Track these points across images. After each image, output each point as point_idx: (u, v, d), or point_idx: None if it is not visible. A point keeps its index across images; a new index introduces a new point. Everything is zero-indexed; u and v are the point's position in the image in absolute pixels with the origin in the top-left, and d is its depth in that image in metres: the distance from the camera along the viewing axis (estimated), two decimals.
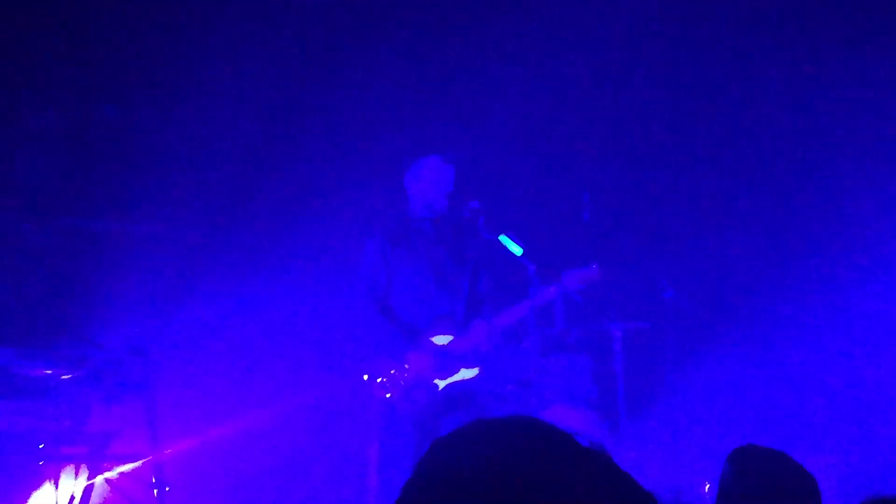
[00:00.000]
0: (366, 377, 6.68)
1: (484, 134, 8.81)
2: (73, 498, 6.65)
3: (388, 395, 6.58)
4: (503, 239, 6.64)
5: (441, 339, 6.64)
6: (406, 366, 6.58)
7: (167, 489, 6.64)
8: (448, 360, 6.61)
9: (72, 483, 6.67)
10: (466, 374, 6.64)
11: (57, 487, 6.41)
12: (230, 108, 8.65)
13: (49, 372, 6.45)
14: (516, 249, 6.61)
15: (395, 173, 6.98)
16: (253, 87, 8.61)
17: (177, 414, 7.52)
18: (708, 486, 8.00)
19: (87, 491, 6.71)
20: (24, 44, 7.98)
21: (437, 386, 6.58)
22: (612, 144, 9.51)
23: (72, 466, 6.69)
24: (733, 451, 3.71)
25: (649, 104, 9.27)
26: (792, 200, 9.46)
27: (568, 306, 7.42)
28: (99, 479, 6.74)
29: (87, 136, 8.53)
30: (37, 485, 6.52)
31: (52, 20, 8.14)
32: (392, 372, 6.59)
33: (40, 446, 6.44)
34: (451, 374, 6.61)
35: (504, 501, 1.28)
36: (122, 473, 6.78)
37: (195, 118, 8.64)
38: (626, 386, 8.14)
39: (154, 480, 6.65)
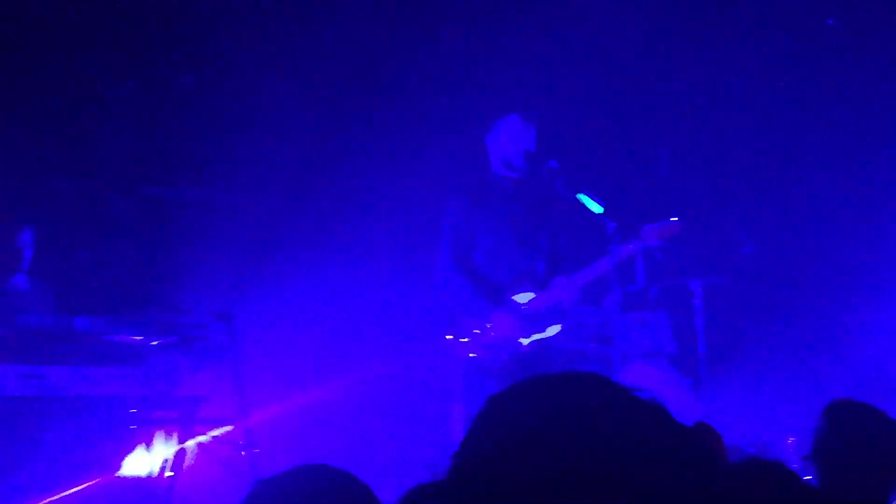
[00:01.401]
0: (449, 337, 6.72)
1: (563, 93, 8.77)
2: (166, 461, 6.77)
3: (471, 355, 6.61)
4: (583, 197, 6.63)
5: (523, 298, 6.66)
6: (489, 325, 6.60)
7: (256, 451, 6.73)
8: (530, 319, 6.62)
9: (164, 447, 6.79)
10: (549, 331, 6.66)
11: (150, 451, 6.53)
12: (307, 75, 8.69)
13: (139, 338, 6.56)
14: (596, 208, 6.60)
15: (476, 133, 6.98)
16: (328, 53, 8.63)
17: (263, 378, 7.62)
18: (792, 439, 7.97)
19: (180, 454, 6.82)
20: (103, 16, 8.07)
21: (520, 344, 6.60)
22: (690, 100, 9.43)
23: (164, 430, 6.81)
24: (828, 406, 3.69)
25: (728, 58, 9.17)
26: (878, 155, 9.32)
27: (648, 263, 7.42)
28: (190, 442, 6.86)
29: (167, 106, 8.62)
30: (130, 449, 6.64)
31: None
32: (475, 331, 6.62)
33: (132, 411, 6.55)
34: (534, 333, 6.63)
35: (557, 456, 1.29)
36: (213, 437, 6.89)
37: (272, 86, 8.70)
38: (707, 341, 8.12)
39: (244, 443, 6.74)
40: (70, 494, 6.20)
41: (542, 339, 6.64)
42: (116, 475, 6.52)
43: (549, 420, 1.33)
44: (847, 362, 9.16)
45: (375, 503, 2.35)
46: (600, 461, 1.28)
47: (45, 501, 6.10)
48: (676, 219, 6.59)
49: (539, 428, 1.32)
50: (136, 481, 6.56)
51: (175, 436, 6.82)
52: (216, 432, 6.90)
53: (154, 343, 6.61)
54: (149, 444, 6.55)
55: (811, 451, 3.66)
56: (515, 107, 6.82)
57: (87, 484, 6.30)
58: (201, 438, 6.88)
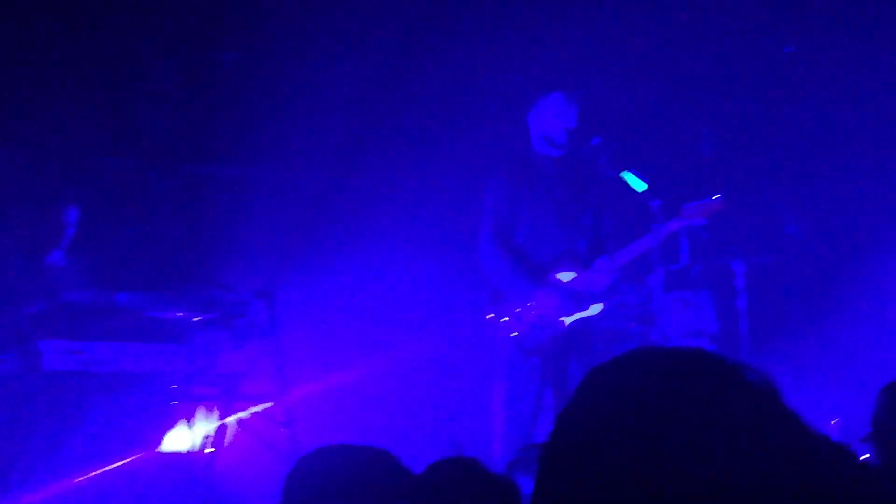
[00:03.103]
0: (491, 316, 6.71)
1: (604, 71, 8.72)
2: (206, 437, 6.81)
3: (514, 333, 6.60)
4: (625, 175, 6.59)
5: (565, 277, 6.64)
6: (531, 304, 6.59)
7: (296, 428, 6.75)
8: (573, 298, 6.60)
9: (205, 422, 6.83)
10: (591, 310, 6.63)
11: (191, 427, 6.56)
12: (350, 51, 8.67)
13: (180, 315, 6.60)
14: (639, 185, 6.56)
15: (517, 112, 6.95)
16: (370, 29, 8.61)
17: (303, 354, 7.63)
18: (835, 421, 7.91)
19: (221, 430, 6.86)
20: None
21: (561, 323, 6.58)
22: (731, 77, 9.34)
23: (204, 406, 6.85)
24: (887, 385, 3.64)
25: (769, 34, 9.07)
26: None
27: (691, 241, 7.36)
28: (231, 418, 6.89)
29: (210, 83, 8.63)
30: (171, 424, 6.69)
31: None
32: (517, 310, 6.61)
33: (173, 387, 6.59)
34: (576, 312, 6.60)
35: (662, 433, 1.26)
36: (253, 413, 6.92)
37: (312, 63, 8.69)
38: (750, 322, 8.06)
39: (284, 420, 6.76)
40: (111, 470, 6.25)
41: (583, 318, 6.62)
42: (157, 451, 6.56)
43: (654, 397, 1.29)
44: (893, 343, 9.06)
45: (412, 480, 2.35)
46: (706, 437, 1.25)
47: (87, 476, 6.14)
48: (719, 196, 6.54)
49: (643, 404, 1.28)
50: (176, 457, 6.60)
51: (216, 412, 6.86)
52: (256, 408, 6.93)
53: (195, 320, 6.65)
54: (190, 419, 6.59)
55: (870, 431, 3.61)
56: (558, 84, 6.78)
57: (129, 459, 6.35)
58: (241, 414, 6.92)
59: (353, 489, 2.27)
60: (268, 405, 6.90)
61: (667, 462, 1.24)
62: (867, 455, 3.62)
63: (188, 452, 6.50)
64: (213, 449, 6.83)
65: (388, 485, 2.30)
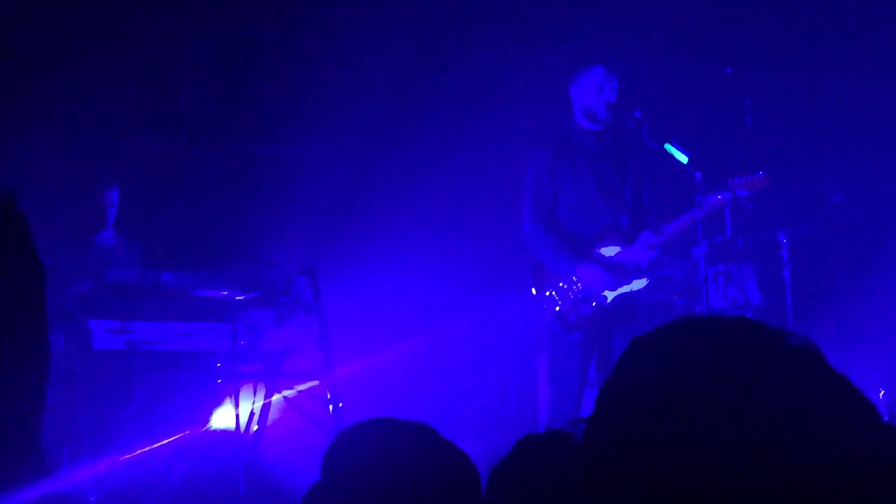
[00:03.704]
0: (534, 291, 6.70)
1: (646, 42, 8.65)
2: (252, 414, 6.86)
3: (557, 308, 6.60)
4: (668, 147, 6.56)
5: (609, 251, 6.62)
6: (574, 278, 6.57)
7: (341, 406, 6.77)
8: (616, 272, 6.58)
9: (251, 400, 6.87)
10: (634, 285, 6.61)
11: (237, 404, 6.60)
12: (390, 31, 8.66)
13: (225, 293, 6.63)
14: (682, 157, 6.52)
15: (558, 85, 6.92)
16: (410, 6, 8.59)
17: (348, 332, 7.66)
18: (882, 392, 7.86)
19: (266, 407, 6.91)
20: None
21: (605, 298, 6.57)
22: (774, 48, 9.26)
23: (250, 384, 6.89)
24: None
25: (813, 7, 8.98)
26: None
27: (735, 214, 7.31)
28: (276, 396, 6.93)
29: (251, 63, 8.65)
30: (218, 402, 6.74)
31: None
32: (561, 285, 6.60)
33: (219, 365, 6.63)
34: (620, 286, 6.59)
35: (709, 401, 1.25)
36: (298, 391, 6.95)
37: (351, 42, 8.69)
38: (794, 293, 8.00)
39: (329, 398, 6.79)
40: (159, 447, 6.31)
41: (627, 292, 6.60)
42: (204, 428, 6.62)
43: (701, 368, 1.27)
44: None
45: (450, 450, 2.35)
46: (751, 413, 1.23)
47: (134, 454, 6.20)
48: (763, 172, 6.50)
49: (689, 376, 1.27)
50: (223, 434, 6.65)
51: (261, 390, 6.90)
52: (301, 387, 6.96)
53: (240, 298, 6.68)
54: (235, 397, 6.62)
55: None
56: (599, 57, 6.74)
57: (176, 437, 6.40)
58: (287, 392, 6.95)
59: (394, 462, 2.27)
60: (313, 383, 6.93)
61: (715, 430, 1.23)
62: None
63: (234, 430, 6.54)
64: (258, 426, 6.88)
65: (429, 457, 2.31)
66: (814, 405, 1.24)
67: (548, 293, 6.62)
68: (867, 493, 1.20)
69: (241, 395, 6.71)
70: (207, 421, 6.66)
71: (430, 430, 2.35)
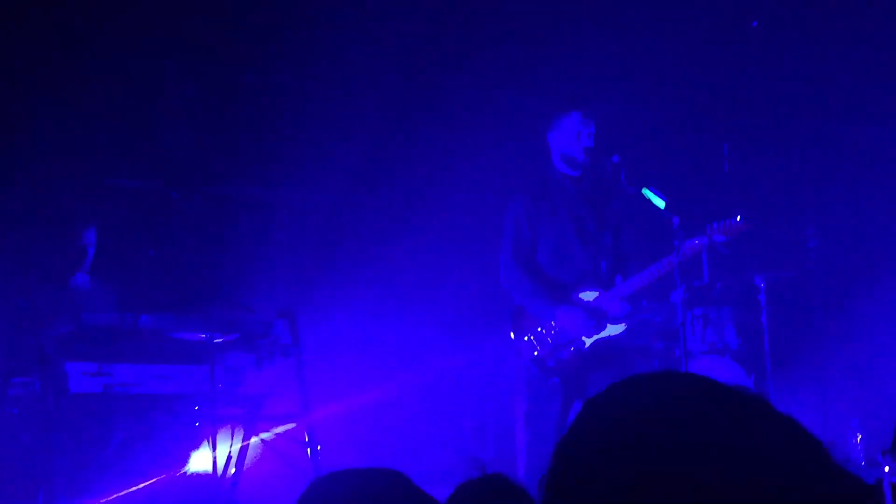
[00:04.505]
0: (513, 335, 6.71)
1: (623, 87, 8.72)
2: (230, 457, 6.82)
3: (535, 353, 6.60)
4: (646, 192, 6.58)
5: (587, 296, 6.63)
6: (553, 323, 6.58)
7: (319, 449, 6.74)
8: (595, 316, 6.59)
9: (229, 443, 6.84)
10: (613, 330, 6.62)
11: (214, 448, 6.56)
12: (370, 74, 8.71)
13: (203, 336, 6.60)
14: (659, 202, 6.55)
15: (536, 131, 6.96)
16: (388, 50, 8.64)
17: (326, 375, 7.64)
18: (860, 436, 7.88)
19: (243, 450, 6.87)
20: (168, 15, 8.13)
21: (584, 343, 6.58)
22: (751, 94, 9.34)
23: (228, 427, 6.86)
24: None
25: (788, 53, 9.07)
26: None
27: (713, 258, 7.35)
28: (254, 439, 6.90)
29: (231, 105, 8.67)
30: (196, 445, 6.70)
31: None
32: (539, 329, 6.61)
33: (196, 408, 6.60)
34: (598, 331, 6.59)
35: (660, 457, 1.27)
36: (276, 434, 6.92)
37: (333, 84, 8.73)
38: (772, 337, 8.04)
39: (307, 441, 6.76)
40: (136, 491, 6.26)
41: (604, 337, 6.61)
42: (181, 472, 6.58)
43: (649, 423, 1.31)
44: None
45: (425, 500, 2.35)
46: (706, 462, 1.26)
47: (111, 498, 6.16)
48: (741, 216, 6.53)
49: (639, 431, 1.30)
50: (200, 478, 6.61)
51: (239, 433, 6.87)
52: (279, 429, 6.93)
53: (218, 341, 6.65)
54: (213, 441, 6.59)
55: (892, 443, 3.61)
56: (576, 103, 6.79)
57: (153, 480, 6.36)
58: (265, 435, 6.92)
59: None
60: (291, 425, 6.91)
61: (657, 488, 1.25)
62: (888, 467, 3.61)
63: (212, 473, 6.51)
64: (236, 469, 6.84)
65: None
66: (762, 449, 1.27)
67: (526, 337, 6.63)
68: None
69: (219, 438, 6.67)
70: (185, 464, 6.62)
71: (403, 479, 2.36)
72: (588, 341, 6.57)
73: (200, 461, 6.68)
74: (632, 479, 1.27)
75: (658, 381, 1.38)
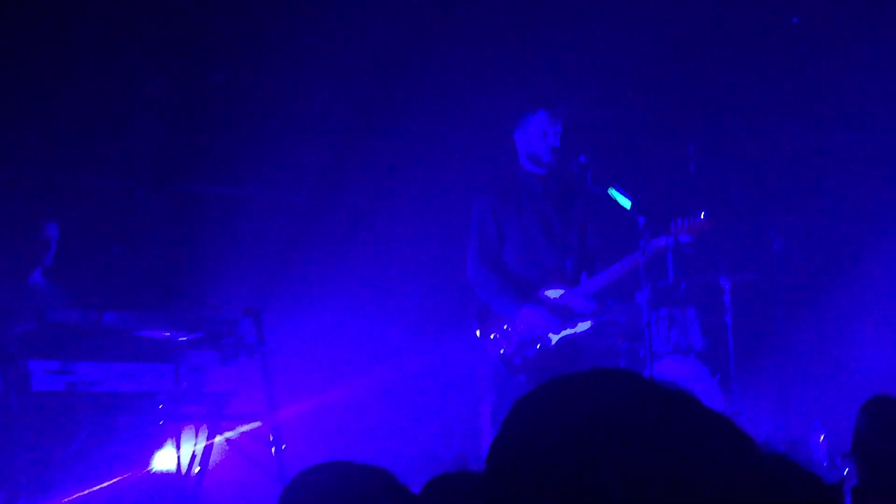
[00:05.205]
0: (479, 333, 6.71)
1: (590, 87, 8.74)
2: (194, 456, 6.79)
3: (501, 351, 6.61)
4: (612, 192, 6.61)
5: (553, 294, 6.65)
6: (518, 320, 6.59)
7: (284, 448, 6.72)
8: (560, 314, 6.61)
9: (193, 442, 6.81)
10: (578, 327, 6.64)
11: (178, 446, 6.54)
12: (336, 73, 8.70)
13: (168, 334, 6.57)
14: (625, 202, 6.57)
15: (503, 130, 6.97)
16: (358, 49, 8.63)
17: (291, 374, 7.62)
18: (822, 436, 7.92)
19: (208, 449, 6.84)
20: (134, 13, 8.09)
21: (549, 340, 6.59)
22: (717, 96, 9.39)
23: (192, 426, 6.83)
24: (868, 402, 3.67)
25: (755, 55, 9.12)
26: None
27: (678, 258, 7.38)
28: (219, 438, 6.87)
29: (197, 103, 8.64)
30: (159, 444, 6.66)
31: None
32: (505, 327, 6.62)
33: (161, 407, 6.56)
34: (564, 329, 6.61)
35: (591, 456, 1.28)
36: (241, 433, 6.90)
37: (300, 84, 8.71)
38: (736, 338, 8.07)
39: (272, 440, 6.74)
40: (99, 490, 6.22)
41: (570, 335, 6.63)
42: (145, 471, 6.54)
43: (579, 422, 1.31)
44: (878, 359, 9.10)
45: (406, 495, 2.35)
46: (634, 460, 1.26)
47: (74, 497, 6.12)
48: (705, 213, 6.55)
49: (568, 431, 1.30)
50: (164, 477, 6.58)
51: (203, 432, 6.84)
52: (244, 428, 6.90)
53: (183, 339, 6.61)
54: (177, 439, 6.56)
55: (851, 447, 3.63)
56: (543, 102, 6.80)
57: (116, 479, 6.32)
58: (229, 434, 6.89)
59: None
60: (256, 424, 6.88)
61: (588, 486, 1.26)
62: (847, 470, 3.64)
63: (176, 472, 6.48)
64: (200, 468, 6.81)
65: (387, 502, 2.31)
66: (691, 446, 1.27)
67: (492, 336, 6.64)
68: None
69: (183, 436, 6.64)
70: (149, 463, 6.58)
71: (387, 474, 2.36)
72: (554, 338, 6.58)
73: (164, 460, 6.64)
74: (562, 477, 1.28)
75: (587, 380, 1.38)
